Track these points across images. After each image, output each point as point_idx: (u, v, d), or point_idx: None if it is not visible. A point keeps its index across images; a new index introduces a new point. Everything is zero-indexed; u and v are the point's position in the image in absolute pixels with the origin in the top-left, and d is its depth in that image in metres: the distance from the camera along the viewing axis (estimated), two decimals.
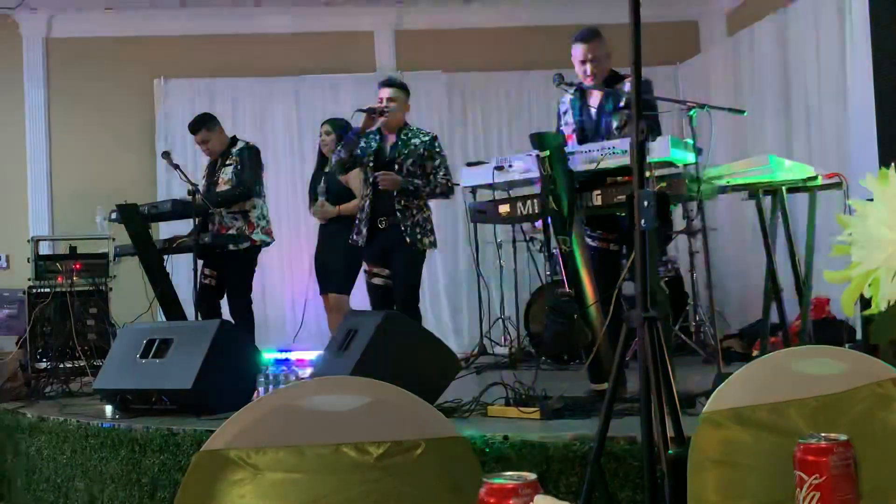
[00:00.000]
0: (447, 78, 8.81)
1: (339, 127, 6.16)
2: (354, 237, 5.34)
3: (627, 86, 4.29)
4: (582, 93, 4.49)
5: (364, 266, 5.39)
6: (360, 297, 5.94)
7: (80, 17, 8.55)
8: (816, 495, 1.30)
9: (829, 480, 1.30)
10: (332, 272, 6.16)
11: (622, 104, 4.27)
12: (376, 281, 5.31)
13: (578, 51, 4.39)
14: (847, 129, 6.47)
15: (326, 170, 6.20)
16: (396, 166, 5.19)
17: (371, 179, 5.22)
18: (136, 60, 8.53)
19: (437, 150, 5.30)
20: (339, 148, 5.29)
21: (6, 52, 8.48)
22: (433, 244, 5.32)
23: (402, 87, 5.35)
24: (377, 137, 5.30)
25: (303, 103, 8.68)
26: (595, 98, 4.45)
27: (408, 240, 5.15)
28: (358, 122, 5.17)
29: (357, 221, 5.36)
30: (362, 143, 5.24)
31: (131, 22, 8.51)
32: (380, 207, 5.21)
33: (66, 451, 4.08)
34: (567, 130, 4.48)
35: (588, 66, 4.36)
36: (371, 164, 5.24)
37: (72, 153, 8.49)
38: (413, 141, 5.26)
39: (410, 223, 5.17)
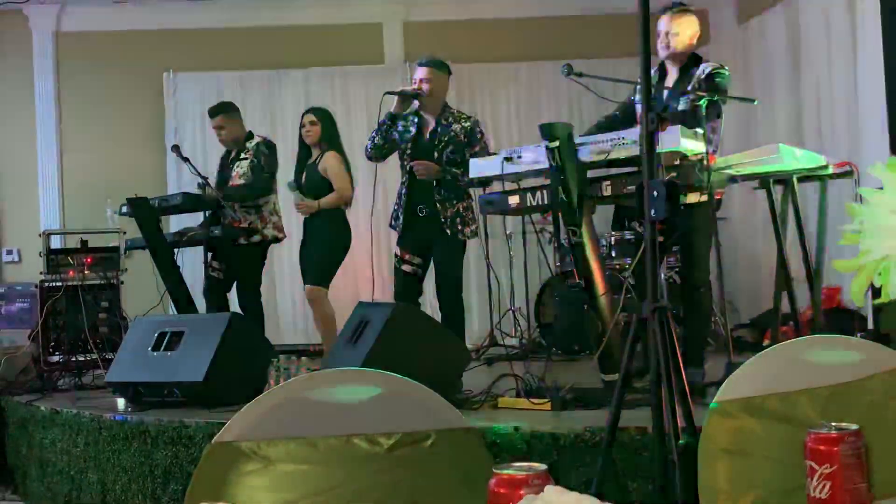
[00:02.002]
0: (456, 69, 8.76)
1: (326, 116, 6.02)
2: (392, 223, 5.22)
3: (700, 70, 4.26)
4: (661, 72, 4.42)
5: (396, 250, 5.23)
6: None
7: (89, 11, 8.55)
8: (827, 484, 1.30)
9: (840, 469, 1.30)
10: (309, 264, 5.90)
11: (690, 87, 4.22)
12: (406, 268, 5.15)
13: (661, 23, 4.33)
14: (858, 117, 6.43)
15: (310, 161, 5.93)
16: (435, 154, 5.05)
17: (408, 167, 5.08)
18: (145, 54, 8.52)
19: (478, 136, 5.12)
20: (373, 133, 5.13)
21: (16, 46, 8.49)
22: (474, 233, 5.18)
23: (441, 67, 5.16)
24: (416, 121, 5.13)
25: (312, 96, 8.66)
26: (671, 79, 4.35)
27: (448, 231, 5.02)
28: (389, 106, 5.01)
29: (395, 207, 5.20)
30: (400, 128, 5.08)
31: (140, 15, 8.51)
32: (417, 196, 5.07)
33: (80, 444, 4.11)
34: (639, 108, 4.39)
35: (667, 40, 4.30)
36: (408, 152, 5.09)
37: (82, 147, 8.50)
38: (454, 127, 5.10)
39: (451, 213, 5.04)
